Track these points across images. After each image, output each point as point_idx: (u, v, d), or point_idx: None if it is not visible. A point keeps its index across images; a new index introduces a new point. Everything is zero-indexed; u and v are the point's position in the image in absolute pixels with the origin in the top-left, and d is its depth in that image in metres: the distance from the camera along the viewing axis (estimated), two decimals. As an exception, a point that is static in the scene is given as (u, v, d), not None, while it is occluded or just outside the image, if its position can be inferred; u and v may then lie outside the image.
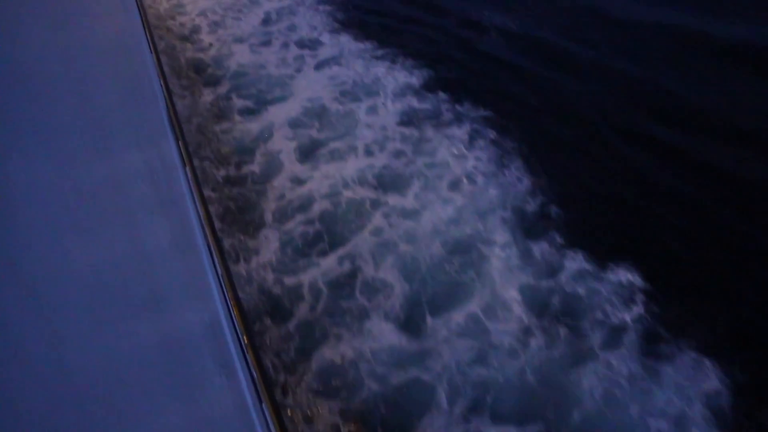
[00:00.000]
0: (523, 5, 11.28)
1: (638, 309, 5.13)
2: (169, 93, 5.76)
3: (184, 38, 10.12)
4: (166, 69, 8.28)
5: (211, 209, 4.52)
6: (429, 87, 8.34)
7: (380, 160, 6.92)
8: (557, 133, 7.62)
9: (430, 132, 7.36)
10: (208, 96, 8.28)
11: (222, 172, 6.85)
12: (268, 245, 5.90)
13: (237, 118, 7.80)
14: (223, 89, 8.45)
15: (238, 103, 8.08)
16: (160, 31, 10.48)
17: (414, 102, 7.93)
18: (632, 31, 10.25)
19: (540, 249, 5.79)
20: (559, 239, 5.89)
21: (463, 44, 9.83)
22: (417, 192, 6.48)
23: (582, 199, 6.56)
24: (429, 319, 5.21)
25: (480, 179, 6.64)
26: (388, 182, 6.64)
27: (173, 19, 10.88)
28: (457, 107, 7.82)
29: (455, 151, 7.01)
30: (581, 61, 9.36)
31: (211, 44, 9.72)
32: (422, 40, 9.95)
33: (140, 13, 7.45)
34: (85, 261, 2.04)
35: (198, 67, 9.13)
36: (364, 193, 6.45)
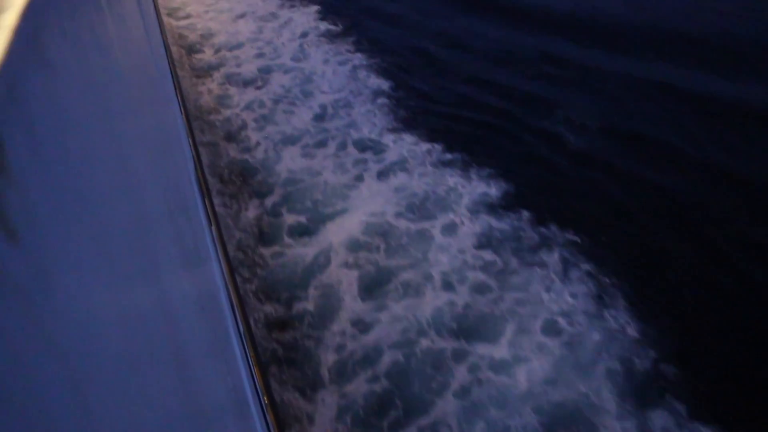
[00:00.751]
0: (608, 92, 10.70)
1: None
2: (212, 205, 5.50)
3: (229, 136, 9.65)
4: (206, 167, 7.91)
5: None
6: (509, 201, 7.58)
7: (462, 295, 6.16)
8: (667, 254, 6.83)
9: (515, 260, 6.61)
10: (254, 209, 7.64)
11: (269, 309, 6.15)
12: (326, 412, 5.19)
13: (287, 239, 7.09)
14: (271, 201, 7.76)
15: (289, 219, 7.40)
16: (202, 124, 10.16)
17: (493, 221, 7.16)
18: (733, 119, 9.60)
19: (660, 420, 5.03)
20: (681, 407, 5.12)
21: (544, 142, 9.17)
22: (508, 337, 5.78)
23: (706, 349, 5.77)
24: None
25: (580, 321, 5.91)
26: (472, 325, 5.86)
27: (217, 113, 10.48)
28: (543, 229, 7.06)
29: (547, 286, 6.27)
30: (682, 157, 8.61)
31: (258, 144, 9.27)
32: (497, 138, 9.29)
33: (180, 106, 7.23)
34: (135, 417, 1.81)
35: (244, 172, 8.55)
36: (445, 342, 5.73)
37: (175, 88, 8.25)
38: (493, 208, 7.50)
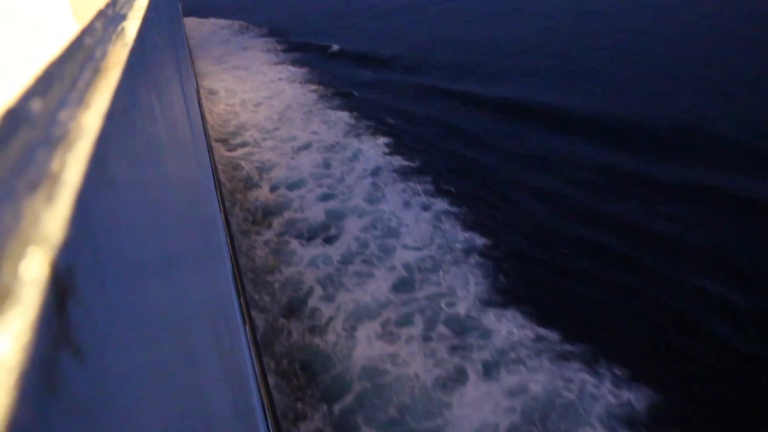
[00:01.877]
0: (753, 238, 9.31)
1: None
2: (271, 403, 5.11)
3: (290, 307, 8.31)
4: (261, 344, 6.88)
5: None
6: (656, 412, 6.09)
7: None
8: None
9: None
10: (319, 418, 6.26)
11: None
12: None
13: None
14: (342, 405, 6.40)
15: (368, 440, 6.12)
16: (258, 285, 9.06)
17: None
18: None
19: None
20: None
21: (701, 309, 7.71)
22: None
23: None
24: None
25: None
26: None
27: (276, 271, 9.31)
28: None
29: None
30: None
31: (328, 321, 7.96)
32: (632, 307, 7.86)
33: (232, 260, 6.77)
34: None
35: (310, 364, 7.15)
36: None
37: (226, 235, 7.49)
38: (635, 423, 6.09)
